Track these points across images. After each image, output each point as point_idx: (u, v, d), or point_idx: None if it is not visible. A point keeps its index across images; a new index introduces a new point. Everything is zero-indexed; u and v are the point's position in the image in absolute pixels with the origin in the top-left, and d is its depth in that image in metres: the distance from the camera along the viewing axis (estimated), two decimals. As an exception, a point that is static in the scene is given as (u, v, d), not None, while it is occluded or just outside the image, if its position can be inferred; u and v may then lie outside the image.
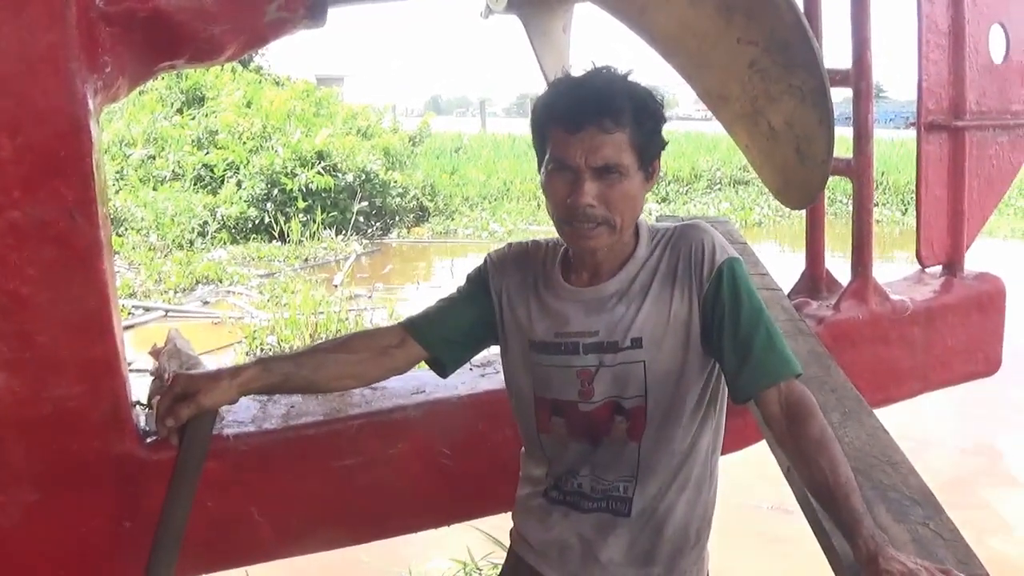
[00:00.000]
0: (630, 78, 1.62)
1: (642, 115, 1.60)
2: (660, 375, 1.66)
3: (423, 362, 1.87)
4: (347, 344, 1.85)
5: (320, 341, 2.00)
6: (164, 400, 1.70)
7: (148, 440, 1.86)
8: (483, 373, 2.33)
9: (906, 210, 16.91)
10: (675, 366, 1.66)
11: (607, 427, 1.69)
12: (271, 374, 1.75)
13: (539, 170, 1.67)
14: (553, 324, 1.71)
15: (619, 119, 1.56)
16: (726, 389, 1.72)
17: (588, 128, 1.56)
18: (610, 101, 1.57)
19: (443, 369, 1.87)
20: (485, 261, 1.85)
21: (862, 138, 2.81)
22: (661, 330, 1.65)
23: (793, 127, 2.48)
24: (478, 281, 1.84)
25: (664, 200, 19.12)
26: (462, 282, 1.88)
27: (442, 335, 1.83)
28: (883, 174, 18.86)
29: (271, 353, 7.12)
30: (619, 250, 1.70)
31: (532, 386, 1.75)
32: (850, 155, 2.84)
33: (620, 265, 1.70)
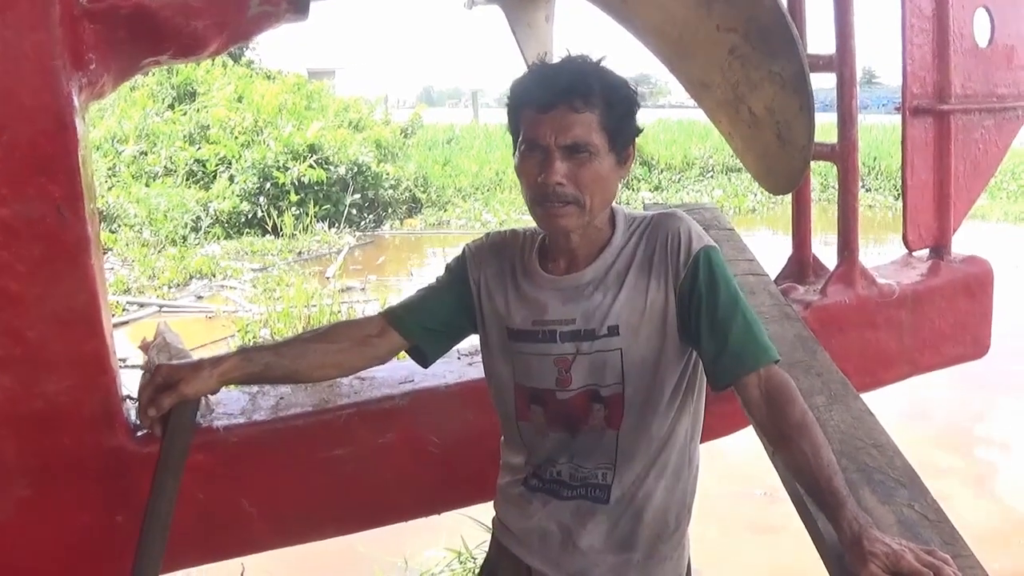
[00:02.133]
0: (603, 64, 1.64)
1: (613, 98, 1.61)
2: (637, 363, 1.66)
3: (404, 352, 1.88)
4: (328, 334, 1.86)
5: (303, 331, 2.01)
6: (146, 390, 1.71)
7: (139, 434, 1.87)
8: (470, 362, 2.33)
9: (899, 195, 16.86)
10: (652, 354, 1.67)
11: (585, 415, 1.70)
12: (252, 363, 1.76)
13: (514, 154, 1.68)
14: (531, 312, 1.72)
15: (589, 99, 1.58)
16: (704, 376, 1.73)
17: (559, 107, 1.58)
18: (580, 82, 1.59)
19: (424, 359, 1.87)
20: (463, 251, 1.86)
21: (846, 123, 2.82)
22: (638, 318, 1.66)
23: (774, 113, 2.49)
24: (457, 271, 1.85)
25: (656, 188, 19.06)
26: (441, 272, 1.89)
27: (422, 324, 1.84)
28: (875, 159, 18.83)
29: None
30: (595, 237, 1.71)
31: (511, 374, 1.76)
32: (835, 140, 2.85)
33: (596, 253, 1.71)
